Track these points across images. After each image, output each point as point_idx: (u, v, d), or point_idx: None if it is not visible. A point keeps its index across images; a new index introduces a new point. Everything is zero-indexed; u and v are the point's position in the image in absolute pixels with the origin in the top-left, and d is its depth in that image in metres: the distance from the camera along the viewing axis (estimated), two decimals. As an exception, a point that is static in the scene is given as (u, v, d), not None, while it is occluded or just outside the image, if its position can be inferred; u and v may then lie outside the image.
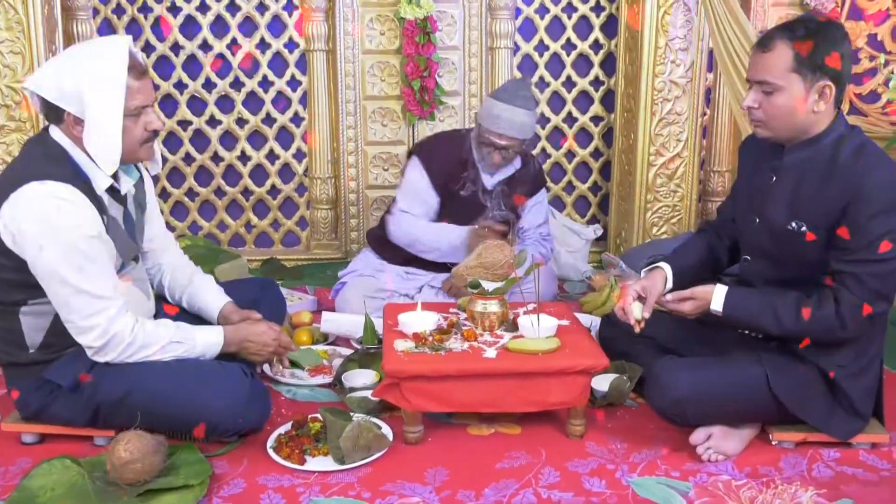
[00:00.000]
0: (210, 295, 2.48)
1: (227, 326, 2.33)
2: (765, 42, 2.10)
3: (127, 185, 2.21)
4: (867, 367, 2.19)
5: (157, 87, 3.99)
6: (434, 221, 3.23)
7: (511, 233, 3.20)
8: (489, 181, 3.21)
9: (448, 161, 3.18)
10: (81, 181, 2.05)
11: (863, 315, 2.06)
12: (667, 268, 2.38)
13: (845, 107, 3.94)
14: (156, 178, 3.96)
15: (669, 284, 2.36)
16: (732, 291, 2.20)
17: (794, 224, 2.13)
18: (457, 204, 3.20)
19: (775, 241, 2.19)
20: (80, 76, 2.00)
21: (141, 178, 2.30)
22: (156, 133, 2.17)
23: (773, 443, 2.25)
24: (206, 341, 2.23)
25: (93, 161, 2.07)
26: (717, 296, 2.19)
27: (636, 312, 2.27)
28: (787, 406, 2.14)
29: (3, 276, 2.05)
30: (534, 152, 3.51)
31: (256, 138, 4.18)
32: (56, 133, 2.10)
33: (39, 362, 2.13)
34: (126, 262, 2.23)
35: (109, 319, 2.05)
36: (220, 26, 4.04)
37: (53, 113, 2.07)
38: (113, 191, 2.15)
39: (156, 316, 2.35)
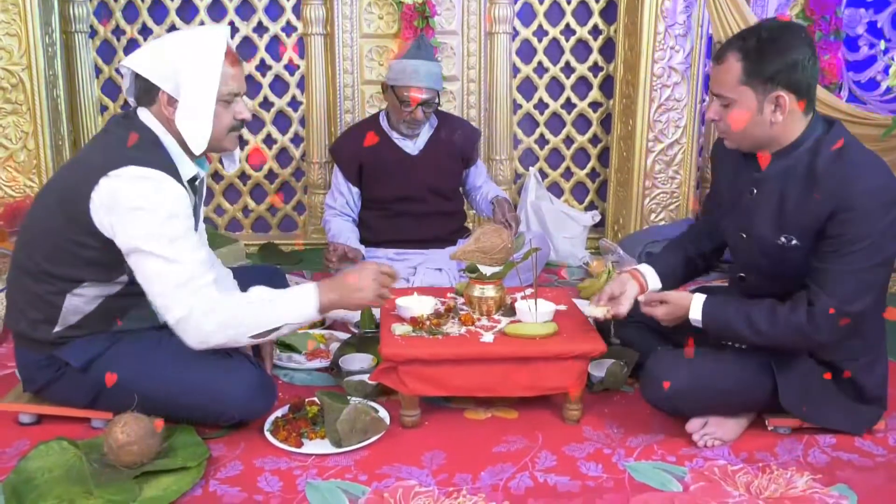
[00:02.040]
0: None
1: (320, 283, 2.19)
2: (719, 54, 2.05)
3: (201, 175, 2.23)
4: (878, 358, 2.19)
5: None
6: (359, 208, 3.44)
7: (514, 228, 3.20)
8: (412, 147, 3.34)
9: (357, 146, 3.34)
10: (172, 169, 2.06)
11: (836, 317, 1.99)
12: (647, 269, 2.39)
13: (844, 93, 3.94)
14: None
15: (656, 284, 2.36)
16: (710, 300, 2.16)
17: (783, 238, 2.08)
18: (381, 184, 3.35)
19: (768, 258, 2.14)
20: (179, 57, 2.04)
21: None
22: (243, 123, 2.19)
23: (770, 428, 2.25)
24: (296, 296, 2.12)
25: (181, 148, 2.11)
26: (695, 304, 2.16)
27: (596, 313, 2.30)
28: (801, 419, 2.17)
29: (82, 254, 2.04)
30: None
31: (254, 122, 4.16)
32: (146, 116, 2.10)
33: (55, 343, 2.12)
34: None
35: (196, 290, 2.01)
36: (216, 10, 4.02)
37: (146, 94, 2.09)
38: (191, 182, 2.17)
39: None
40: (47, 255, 2.06)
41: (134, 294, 2.10)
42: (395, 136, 3.34)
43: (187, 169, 2.13)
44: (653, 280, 2.38)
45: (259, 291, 2.13)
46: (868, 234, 1.95)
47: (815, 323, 2.00)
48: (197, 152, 2.10)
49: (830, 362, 2.15)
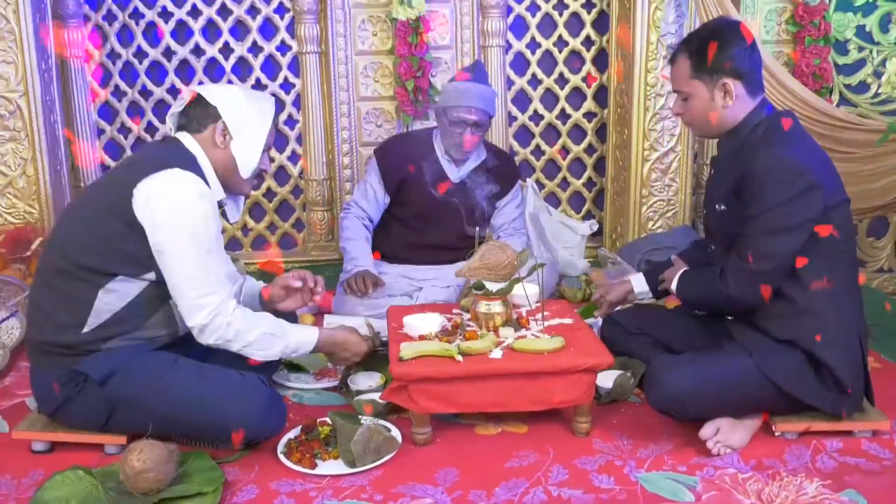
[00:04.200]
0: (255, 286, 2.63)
1: (323, 329, 2.47)
2: (672, 56, 2.38)
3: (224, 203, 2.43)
4: (847, 339, 2.22)
5: (150, 94, 4.01)
6: (386, 220, 3.43)
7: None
8: (456, 174, 3.30)
9: (404, 160, 3.30)
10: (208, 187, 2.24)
11: (745, 275, 2.19)
12: (635, 278, 2.74)
13: (835, 97, 3.98)
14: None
15: (643, 288, 2.71)
16: (685, 273, 2.47)
17: (716, 206, 2.34)
18: (413, 203, 3.33)
19: (718, 226, 2.39)
20: (246, 101, 2.33)
21: None
22: (263, 173, 2.45)
23: (777, 434, 2.28)
24: (299, 339, 2.34)
25: (215, 175, 2.30)
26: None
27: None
28: (782, 386, 2.19)
29: (118, 244, 2.14)
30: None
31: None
32: (188, 140, 2.29)
33: (78, 351, 2.15)
34: None
35: (220, 300, 2.17)
36: (211, 31, 4.03)
37: (199, 121, 2.29)
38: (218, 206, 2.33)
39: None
40: (84, 247, 2.14)
41: (160, 295, 2.19)
42: (443, 157, 3.32)
43: (217, 194, 2.31)
44: (639, 286, 2.70)
45: (269, 323, 2.28)
46: (769, 201, 2.15)
47: (726, 280, 2.24)
48: (245, 175, 2.34)
49: (791, 341, 2.21)
